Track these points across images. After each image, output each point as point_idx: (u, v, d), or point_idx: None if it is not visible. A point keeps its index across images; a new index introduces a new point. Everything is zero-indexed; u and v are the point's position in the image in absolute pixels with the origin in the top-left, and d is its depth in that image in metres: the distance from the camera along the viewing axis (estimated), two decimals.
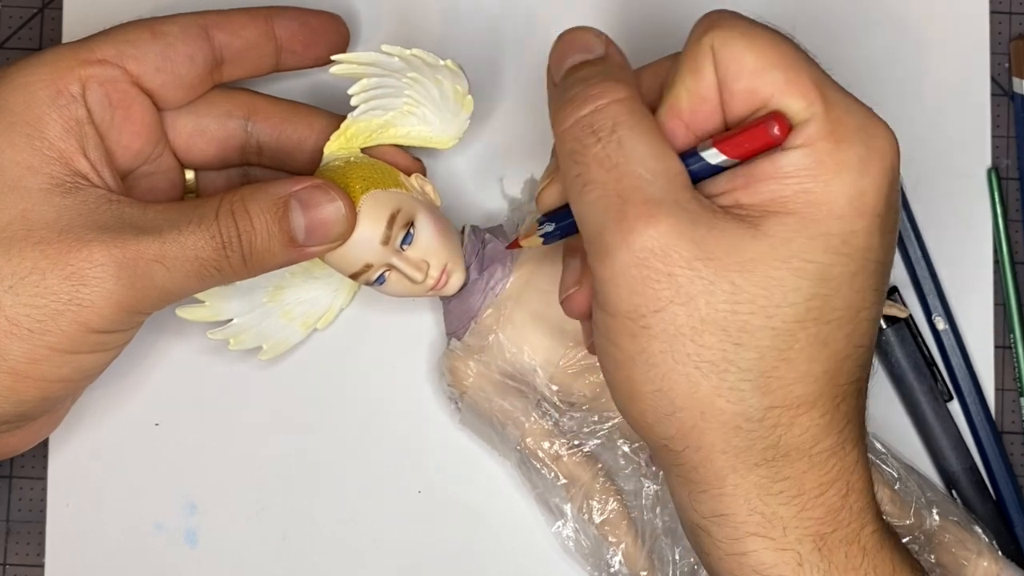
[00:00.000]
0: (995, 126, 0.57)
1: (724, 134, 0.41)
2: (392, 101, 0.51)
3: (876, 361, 0.55)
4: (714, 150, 0.41)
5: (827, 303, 0.41)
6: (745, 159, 0.41)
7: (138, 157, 0.50)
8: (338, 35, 0.54)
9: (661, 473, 0.52)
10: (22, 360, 0.45)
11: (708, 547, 0.43)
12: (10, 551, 0.56)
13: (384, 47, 0.49)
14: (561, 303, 0.47)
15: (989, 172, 0.56)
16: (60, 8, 0.57)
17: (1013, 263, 0.56)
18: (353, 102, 0.51)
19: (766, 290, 0.40)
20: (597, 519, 0.52)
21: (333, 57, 0.50)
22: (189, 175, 0.53)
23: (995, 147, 0.57)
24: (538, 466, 0.52)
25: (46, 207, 0.46)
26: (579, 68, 0.43)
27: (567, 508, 0.53)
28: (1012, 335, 0.56)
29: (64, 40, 0.56)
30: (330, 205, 0.48)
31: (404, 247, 0.50)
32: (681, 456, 0.42)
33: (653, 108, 0.43)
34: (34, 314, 0.45)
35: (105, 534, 0.55)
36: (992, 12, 0.57)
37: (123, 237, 0.45)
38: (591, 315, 0.44)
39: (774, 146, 0.40)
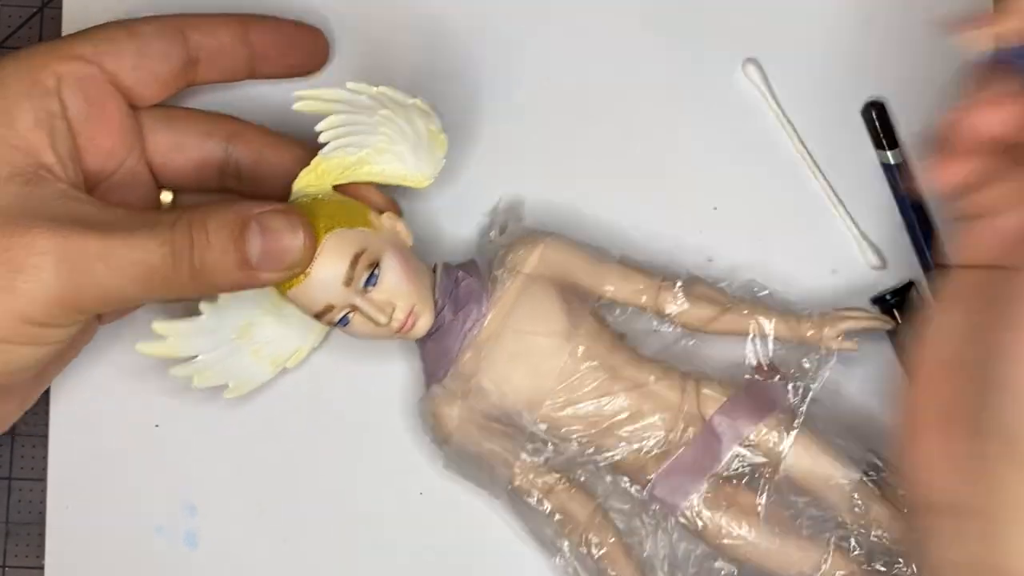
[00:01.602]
0: None
1: None
2: (366, 138, 0.50)
3: None
4: None
5: None
6: None
7: (110, 158, 0.50)
8: (315, 45, 0.54)
9: (657, 507, 0.51)
10: None
11: None
12: (10, 553, 0.56)
13: (350, 85, 0.48)
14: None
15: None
16: (60, 7, 0.57)
17: None
18: (322, 139, 0.50)
19: None
20: (596, 553, 0.51)
21: (296, 93, 0.49)
22: (167, 197, 0.52)
23: None
24: (532, 503, 0.52)
25: (1, 193, 0.46)
26: None
27: (564, 544, 0.52)
28: None
29: None
30: (290, 233, 0.47)
31: (368, 288, 0.49)
32: None
33: None
34: None
35: (105, 536, 0.55)
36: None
37: (70, 230, 0.45)
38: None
39: None
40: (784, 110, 0.56)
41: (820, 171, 0.56)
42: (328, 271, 0.48)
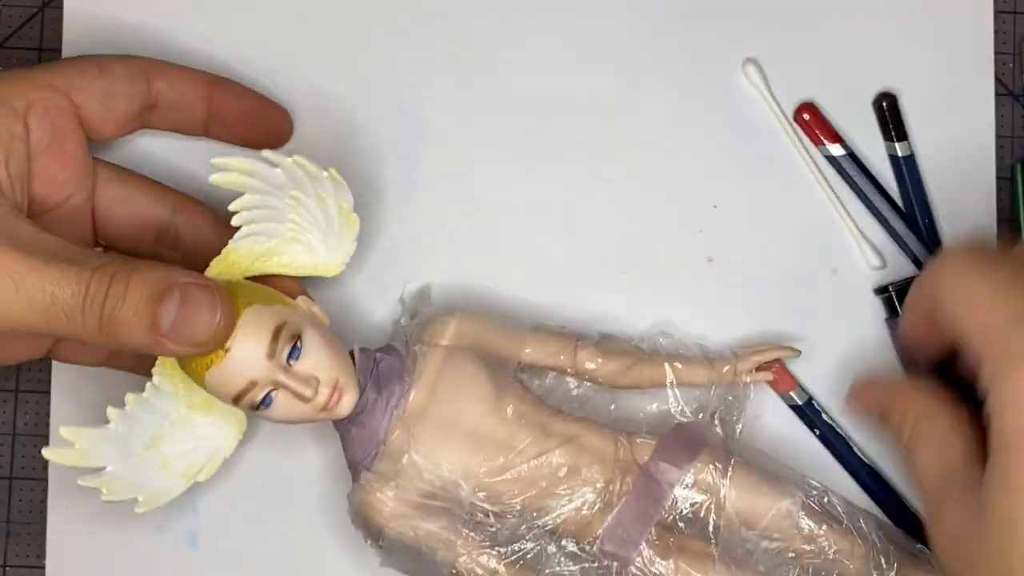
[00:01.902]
0: (999, 126, 0.56)
1: None
2: (275, 227, 0.50)
3: None
4: None
5: None
6: None
7: (59, 190, 0.50)
8: (276, 124, 0.54)
9: (609, 563, 0.51)
10: None
11: None
12: (10, 552, 0.56)
13: (265, 153, 0.48)
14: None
15: (1014, 166, 0.56)
16: (60, 8, 0.56)
17: None
18: (235, 221, 0.49)
19: None
20: None
21: (213, 160, 0.49)
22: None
23: (999, 147, 0.56)
24: None
25: None
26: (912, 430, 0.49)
27: None
28: None
29: (64, 41, 0.56)
30: (208, 310, 0.46)
31: (291, 362, 0.47)
32: None
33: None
34: None
35: (106, 536, 0.55)
36: (997, 12, 0.57)
37: None
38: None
39: None
40: (784, 111, 0.56)
41: (820, 172, 0.56)
42: (249, 344, 0.47)
